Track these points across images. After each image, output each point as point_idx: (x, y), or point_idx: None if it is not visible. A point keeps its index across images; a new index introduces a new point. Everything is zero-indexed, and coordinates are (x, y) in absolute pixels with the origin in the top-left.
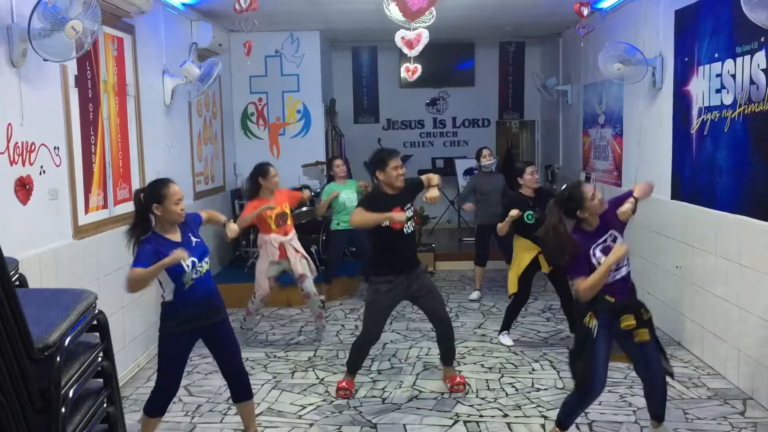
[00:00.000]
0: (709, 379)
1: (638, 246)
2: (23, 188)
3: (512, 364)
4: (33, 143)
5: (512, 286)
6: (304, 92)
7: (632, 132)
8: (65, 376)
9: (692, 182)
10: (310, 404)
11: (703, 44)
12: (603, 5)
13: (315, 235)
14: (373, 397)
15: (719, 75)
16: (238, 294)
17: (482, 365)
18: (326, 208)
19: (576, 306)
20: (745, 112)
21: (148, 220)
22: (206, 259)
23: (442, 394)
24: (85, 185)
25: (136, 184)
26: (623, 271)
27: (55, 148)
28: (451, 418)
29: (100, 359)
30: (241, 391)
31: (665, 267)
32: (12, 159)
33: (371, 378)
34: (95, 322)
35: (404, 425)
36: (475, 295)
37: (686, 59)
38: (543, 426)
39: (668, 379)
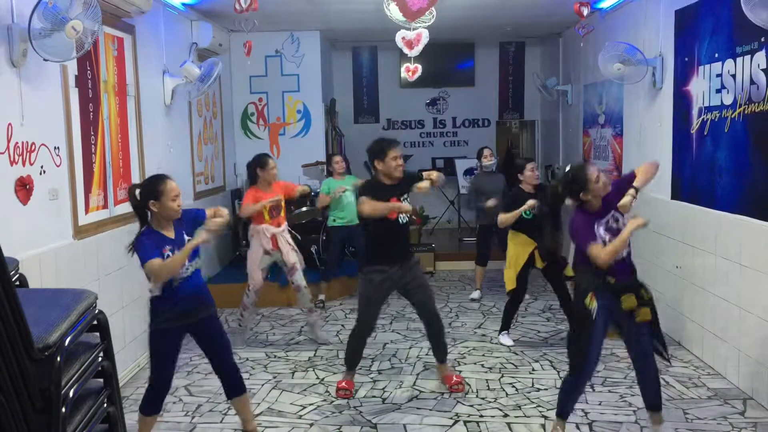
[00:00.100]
0: (709, 379)
1: (638, 246)
2: (23, 188)
3: (512, 364)
4: (33, 143)
5: (510, 283)
6: (305, 92)
7: (632, 132)
8: (65, 376)
9: (692, 182)
10: (311, 404)
11: (704, 44)
12: (603, 5)
13: (315, 235)
14: (374, 397)
15: (719, 75)
16: (237, 294)
17: (482, 365)
18: (328, 203)
19: (576, 287)
20: (746, 112)
21: (146, 215)
22: (198, 259)
23: (442, 394)
24: (85, 185)
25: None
26: (624, 252)
27: (55, 148)
28: (451, 418)
29: (100, 359)
30: (234, 386)
31: (665, 267)
32: (12, 159)
33: (371, 378)
34: (95, 322)
35: (404, 425)
36: (475, 294)
37: (686, 59)
38: (543, 426)
39: (667, 378)
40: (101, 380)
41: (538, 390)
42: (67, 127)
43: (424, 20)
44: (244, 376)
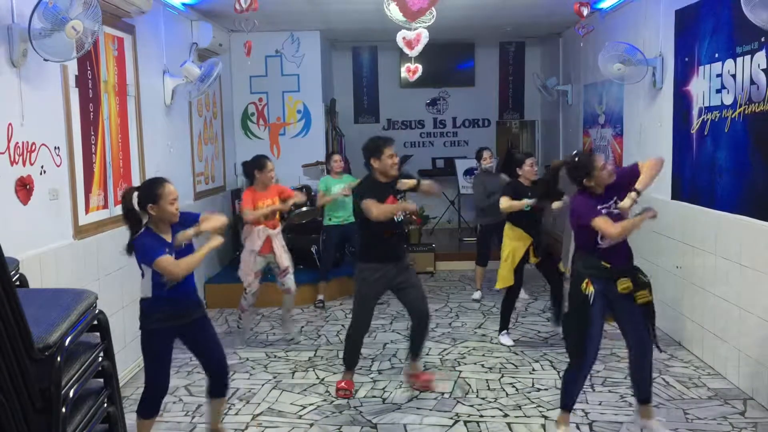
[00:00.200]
0: (709, 379)
1: (638, 246)
2: (24, 188)
3: (512, 364)
4: (33, 143)
5: (506, 280)
6: (305, 92)
7: (632, 132)
8: (65, 376)
9: (692, 182)
10: (311, 404)
11: (704, 44)
12: (603, 5)
13: (315, 235)
14: (374, 397)
15: (719, 75)
16: (237, 294)
17: (482, 365)
18: (325, 203)
19: (573, 272)
20: (746, 112)
21: (136, 220)
22: None
23: (442, 394)
24: (85, 185)
25: (136, 184)
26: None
27: (55, 148)
28: (451, 418)
29: (100, 359)
30: (220, 387)
31: (665, 267)
32: (12, 159)
33: (371, 378)
34: (96, 322)
35: (404, 425)
36: (477, 295)
37: (686, 59)
38: (543, 426)
39: (667, 378)
40: (101, 380)
41: (539, 390)
42: (67, 127)
43: (425, 20)
44: (244, 376)
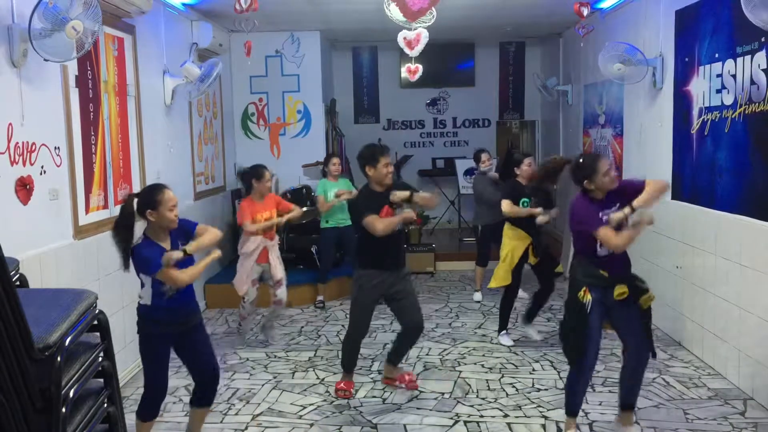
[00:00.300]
0: (709, 379)
1: (638, 246)
2: (24, 188)
3: (512, 364)
4: (33, 143)
5: (502, 279)
6: (305, 92)
7: (633, 132)
8: (66, 376)
9: (692, 182)
10: (311, 404)
11: (704, 44)
12: (603, 5)
13: (315, 235)
14: (374, 397)
15: (720, 75)
16: (237, 294)
17: (482, 365)
18: (329, 208)
19: (571, 279)
20: (746, 112)
21: (132, 229)
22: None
23: (443, 394)
24: (85, 185)
25: (136, 185)
26: None
27: (55, 148)
28: (451, 419)
29: (100, 359)
30: (207, 396)
31: (665, 267)
32: (12, 159)
33: (371, 378)
34: (96, 322)
35: (404, 425)
36: (477, 296)
37: (687, 59)
38: (543, 426)
39: (667, 378)
40: (101, 380)
41: (539, 390)
42: (67, 127)
43: (425, 20)
44: (245, 376)
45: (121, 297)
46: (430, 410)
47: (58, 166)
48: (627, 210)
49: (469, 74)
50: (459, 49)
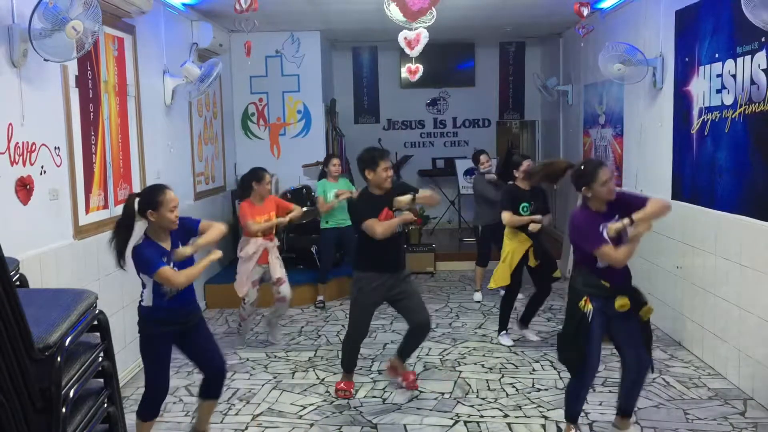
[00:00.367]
0: (709, 379)
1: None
2: (24, 188)
3: (512, 364)
4: (34, 143)
5: (501, 280)
6: (305, 92)
7: (633, 132)
8: (66, 376)
9: (693, 182)
10: (311, 404)
11: (704, 44)
12: (603, 5)
13: (315, 235)
14: (374, 397)
15: (720, 75)
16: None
17: (483, 365)
18: (329, 209)
19: (571, 289)
20: (746, 112)
21: (131, 228)
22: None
23: (443, 394)
24: (85, 185)
25: (136, 184)
26: None
27: (55, 148)
28: (451, 419)
29: (100, 359)
30: (214, 389)
31: (665, 267)
32: (13, 159)
33: (371, 378)
34: (96, 322)
35: (405, 425)
36: (477, 296)
37: (687, 59)
38: (543, 426)
39: (668, 379)
40: (101, 380)
41: (539, 390)
42: (67, 127)
43: (425, 20)
44: (245, 376)
45: (121, 297)
46: (430, 410)
47: (58, 166)
48: (626, 221)
49: (469, 74)
50: (459, 49)
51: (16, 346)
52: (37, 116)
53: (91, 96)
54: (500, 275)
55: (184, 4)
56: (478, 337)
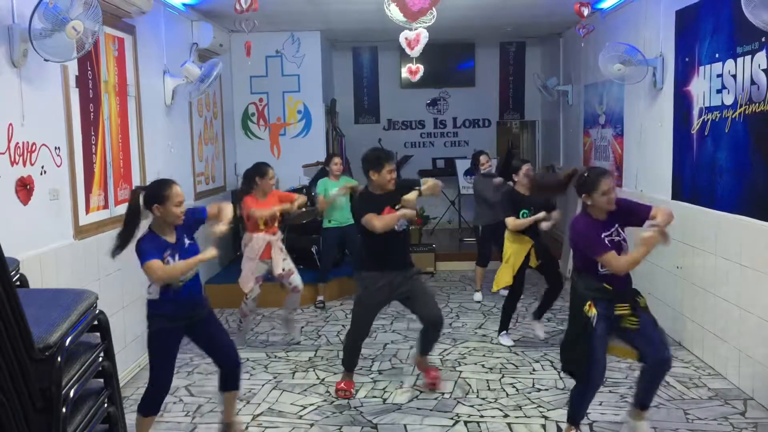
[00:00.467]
0: (709, 379)
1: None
2: (24, 188)
3: (513, 364)
4: (34, 143)
5: (502, 281)
6: (305, 92)
7: (633, 132)
8: (66, 376)
9: (693, 182)
10: (311, 404)
11: (704, 44)
12: (603, 5)
13: (315, 235)
14: (374, 397)
15: (720, 75)
16: (237, 294)
17: (483, 365)
18: (327, 205)
19: (573, 296)
20: (746, 112)
21: (137, 222)
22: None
23: (443, 394)
24: (85, 185)
25: (136, 184)
26: None
27: (55, 148)
28: (451, 419)
29: (100, 359)
30: (231, 381)
31: (666, 267)
32: (13, 159)
33: (372, 378)
34: (96, 322)
35: (405, 425)
36: (478, 296)
37: (687, 59)
38: (543, 426)
39: (668, 379)
40: (102, 380)
41: (539, 390)
42: (67, 127)
43: (425, 20)
44: (245, 376)
45: (121, 297)
46: (431, 410)
47: (58, 166)
48: (657, 229)
49: (469, 74)
50: (459, 49)
51: (17, 346)
52: (38, 116)
53: (91, 96)
54: (502, 277)
55: (184, 4)
56: (478, 337)
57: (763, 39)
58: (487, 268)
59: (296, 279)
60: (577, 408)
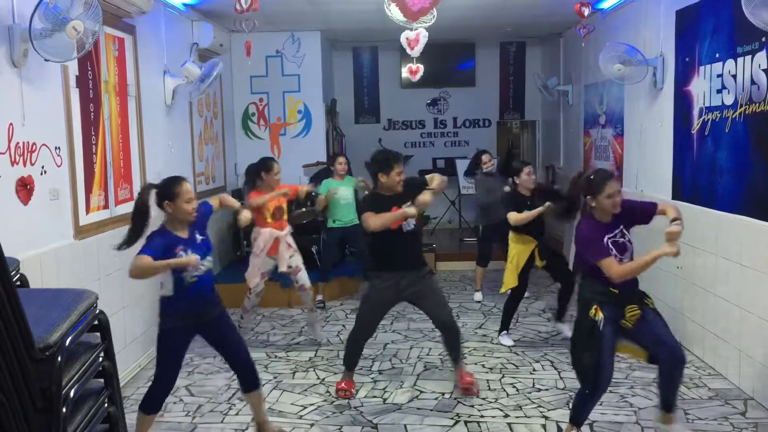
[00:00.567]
0: (710, 379)
1: (639, 246)
2: (24, 188)
3: (513, 364)
4: (34, 143)
5: (510, 282)
6: (305, 92)
7: (633, 132)
8: (66, 375)
9: (693, 182)
10: (311, 404)
11: (704, 44)
12: (604, 5)
13: (315, 235)
14: (374, 397)
15: (720, 75)
16: (238, 294)
17: (483, 365)
18: (325, 205)
19: (580, 299)
20: (746, 112)
21: (145, 220)
22: (209, 257)
23: (443, 394)
24: (86, 185)
25: (137, 184)
26: (626, 260)
27: (56, 148)
28: (452, 419)
29: (101, 359)
30: (247, 381)
31: (666, 268)
32: (13, 159)
33: (372, 378)
34: (96, 322)
35: (405, 425)
36: (478, 296)
37: (687, 59)
38: (544, 426)
39: None
40: (102, 380)
41: (539, 390)
42: (67, 127)
43: (425, 20)
44: None
45: (121, 297)
46: (431, 410)
47: (58, 166)
48: (678, 227)
49: (469, 74)
50: (459, 49)
51: (17, 345)
52: (38, 116)
53: (91, 96)
54: (508, 278)
55: (184, 4)
56: (478, 337)
57: (764, 39)
58: (488, 268)
59: (303, 277)
60: (580, 410)
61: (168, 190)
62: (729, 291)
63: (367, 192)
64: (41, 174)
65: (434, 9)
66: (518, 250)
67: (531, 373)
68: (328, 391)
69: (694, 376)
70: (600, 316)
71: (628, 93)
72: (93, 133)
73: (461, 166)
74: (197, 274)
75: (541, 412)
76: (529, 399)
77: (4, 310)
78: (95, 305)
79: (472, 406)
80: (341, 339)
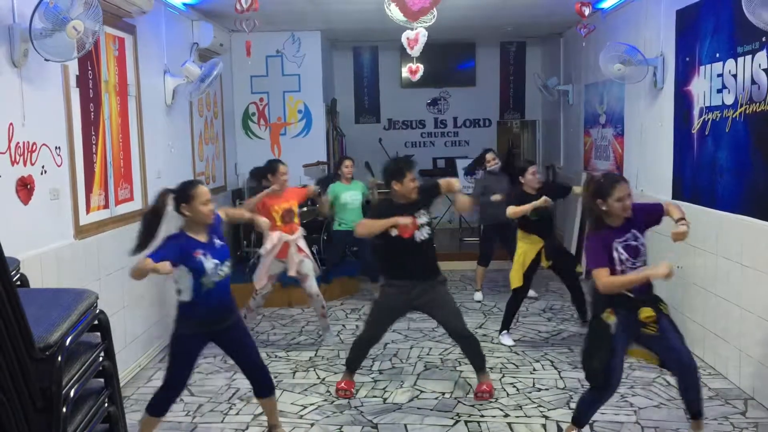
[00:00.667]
0: (710, 379)
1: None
2: (24, 188)
3: (513, 364)
4: (34, 143)
5: (516, 281)
6: (305, 92)
7: (633, 132)
8: (66, 375)
9: (693, 182)
10: (311, 404)
11: (704, 44)
12: (604, 5)
13: (316, 235)
14: (374, 397)
15: (720, 75)
16: (238, 294)
17: None
18: (328, 208)
19: (593, 302)
20: (747, 112)
21: (156, 226)
22: (228, 263)
23: (443, 394)
24: (86, 185)
25: (137, 184)
26: (640, 266)
27: (56, 148)
28: (452, 418)
29: (101, 359)
30: (261, 387)
31: None
32: (13, 159)
33: (372, 378)
34: (96, 322)
35: (405, 425)
36: (479, 296)
37: (687, 59)
38: (544, 426)
39: (669, 379)
40: (102, 380)
41: (539, 390)
42: (68, 127)
43: (426, 20)
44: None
45: (122, 297)
46: (431, 410)
47: (58, 166)
48: (685, 228)
49: (469, 74)
50: (459, 49)
51: (17, 345)
52: (38, 116)
53: (91, 96)
54: (514, 276)
55: (184, 4)
56: (478, 336)
57: (764, 39)
58: (489, 268)
59: (308, 285)
60: (585, 411)
61: (183, 193)
62: (729, 291)
63: (371, 192)
64: (41, 174)
65: (434, 9)
66: (524, 249)
67: (531, 373)
68: (328, 391)
69: None
70: (612, 319)
71: (628, 93)
72: (93, 132)
73: (461, 165)
74: (215, 280)
75: (541, 411)
76: (530, 399)
77: (4, 309)
78: (95, 305)
79: (473, 406)
80: (341, 339)
